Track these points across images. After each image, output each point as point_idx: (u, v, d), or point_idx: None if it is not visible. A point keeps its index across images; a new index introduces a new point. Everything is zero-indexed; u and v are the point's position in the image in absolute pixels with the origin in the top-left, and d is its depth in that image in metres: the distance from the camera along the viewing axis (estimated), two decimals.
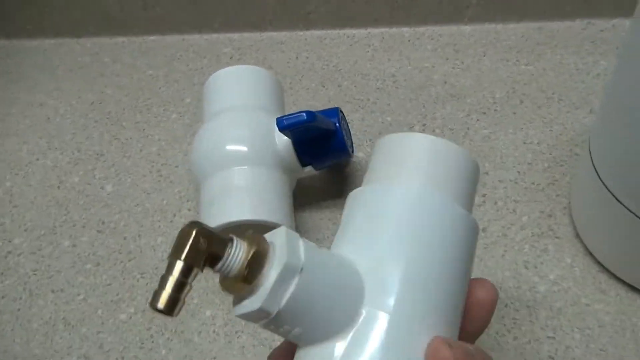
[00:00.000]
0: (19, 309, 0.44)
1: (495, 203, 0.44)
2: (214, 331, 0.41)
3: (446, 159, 0.24)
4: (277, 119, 0.38)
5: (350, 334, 0.20)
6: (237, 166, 0.40)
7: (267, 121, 0.42)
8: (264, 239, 0.21)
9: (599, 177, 0.36)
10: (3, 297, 0.45)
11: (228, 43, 0.62)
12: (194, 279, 0.20)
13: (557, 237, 0.42)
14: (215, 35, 0.63)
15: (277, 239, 0.21)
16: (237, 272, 0.20)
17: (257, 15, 0.61)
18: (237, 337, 0.40)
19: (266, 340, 0.40)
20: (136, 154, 0.53)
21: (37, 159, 0.54)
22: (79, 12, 0.64)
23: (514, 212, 0.44)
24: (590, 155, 0.37)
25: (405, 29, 0.59)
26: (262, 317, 0.20)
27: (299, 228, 0.45)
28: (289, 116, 0.38)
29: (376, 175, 0.25)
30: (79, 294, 0.44)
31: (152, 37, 0.64)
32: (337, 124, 0.41)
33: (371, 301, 0.21)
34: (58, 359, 0.41)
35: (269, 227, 0.40)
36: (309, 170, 0.42)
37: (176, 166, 0.51)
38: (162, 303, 0.19)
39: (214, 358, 0.39)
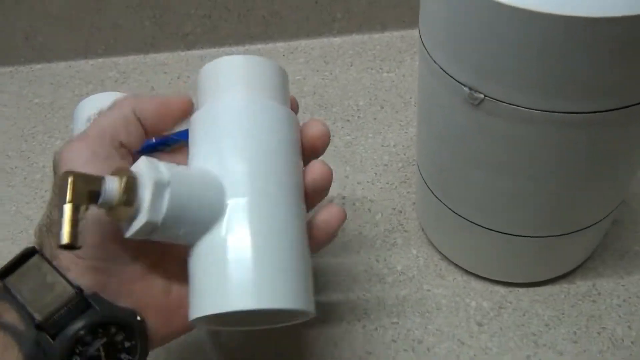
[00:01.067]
0: None
1: (354, 204, 0.48)
2: None
3: (258, 70, 0.30)
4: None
5: (225, 219, 0.26)
6: None
7: None
8: (129, 169, 0.25)
9: (425, 182, 0.40)
10: None
11: (113, 67, 0.64)
12: (84, 216, 0.23)
13: (405, 231, 0.46)
14: (100, 60, 0.65)
15: (141, 165, 0.25)
16: (117, 200, 0.24)
17: (138, 39, 0.63)
18: None
19: None
20: (20, 182, 0.55)
21: None
22: None
23: (369, 211, 0.48)
24: (419, 166, 0.41)
25: (280, 44, 0.63)
26: (151, 229, 0.25)
27: None
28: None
29: (206, 97, 0.30)
30: None
31: (39, 66, 0.65)
32: None
33: (231, 194, 0.26)
34: None
35: None
36: None
37: None
38: (65, 238, 0.22)
39: None
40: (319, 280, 0.44)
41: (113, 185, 0.24)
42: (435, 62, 0.31)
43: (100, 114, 0.29)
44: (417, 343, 0.40)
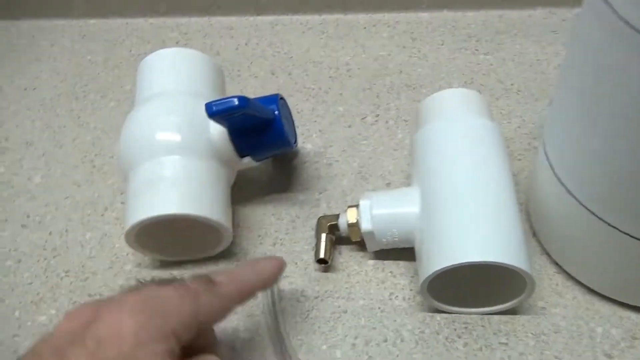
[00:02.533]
0: None
1: None
2: None
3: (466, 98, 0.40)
4: (206, 104, 0.35)
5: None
6: (167, 156, 0.37)
7: (202, 108, 0.39)
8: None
9: (555, 174, 0.34)
10: None
11: (174, 28, 0.58)
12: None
13: None
14: (161, 20, 0.59)
15: (360, 200, 0.38)
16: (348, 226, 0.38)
17: None
18: None
19: None
20: (69, 144, 0.49)
21: None
22: None
23: None
24: (545, 151, 0.35)
25: (360, 16, 0.56)
26: (370, 235, 0.37)
27: (239, 224, 0.42)
28: (219, 101, 0.34)
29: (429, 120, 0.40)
30: None
31: (93, 21, 0.60)
32: (277, 112, 0.38)
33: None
34: None
35: (202, 222, 0.36)
36: (248, 161, 0.39)
37: (111, 156, 0.48)
38: (322, 255, 0.38)
39: None
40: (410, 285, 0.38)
41: (343, 219, 0.38)
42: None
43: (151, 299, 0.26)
44: None
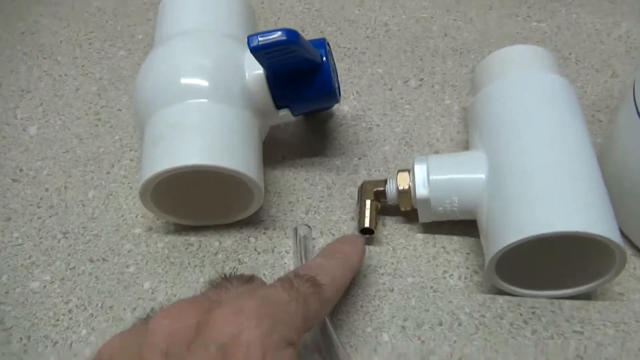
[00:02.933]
0: None
1: None
2: (152, 308, 0.32)
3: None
4: (249, 36, 0.29)
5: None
6: (193, 99, 0.32)
7: (235, 49, 0.34)
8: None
9: None
10: None
11: None
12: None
13: None
14: None
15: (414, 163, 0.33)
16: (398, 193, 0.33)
17: None
18: None
19: None
20: (70, 93, 0.43)
21: None
22: None
23: None
24: (636, 103, 0.30)
25: None
26: (426, 203, 0.32)
27: (267, 189, 0.37)
28: (265, 34, 0.29)
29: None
30: None
31: None
32: (324, 58, 0.33)
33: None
34: None
35: (230, 178, 0.31)
36: (285, 114, 0.34)
37: (119, 109, 0.42)
38: (367, 224, 0.33)
39: None
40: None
41: (392, 184, 0.33)
42: None
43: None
44: None
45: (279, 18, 0.48)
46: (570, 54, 0.44)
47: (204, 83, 0.32)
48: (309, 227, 0.34)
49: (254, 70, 0.33)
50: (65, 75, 0.45)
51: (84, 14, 0.49)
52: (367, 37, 0.46)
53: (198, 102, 0.32)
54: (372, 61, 0.44)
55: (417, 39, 0.46)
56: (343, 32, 0.47)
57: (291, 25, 0.48)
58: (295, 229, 0.33)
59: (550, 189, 0.28)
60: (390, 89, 0.42)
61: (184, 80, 0.32)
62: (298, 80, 0.33)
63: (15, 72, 0.45)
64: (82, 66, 0.45)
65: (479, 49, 0.45)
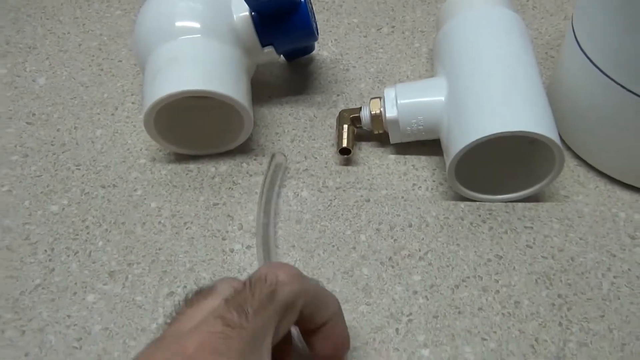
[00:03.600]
0: None
1: None
2: (159, 222, 0.36)
3: None
4: None
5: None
6: (188, 35, 0.36)
7: None
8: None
9: (582, 50, 0.34)
10: None
11: None
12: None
13: None
14: None
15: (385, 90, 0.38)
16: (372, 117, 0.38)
17: None
18: (186, 229, 0.36)
19: (218, 232, 0.36)
20: (74, 49, 0.47)
21: None
22: None
23: None
24: (573, 30, 0.35)
25: None
26: (395, 124, 0.37)
27: (256, 123, 0.41)
28: None
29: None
30: (2, 186, 0.38)
31: None
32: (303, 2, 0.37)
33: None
34: None
35: (223, 104, 0.35)
36: (269, 51, 0.38)
37: (119, 61, 0.46)
38: (344, 144, 0.38)
39: (159, 249, 0.35)
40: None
41: (366, 110, 0.38)
42: None
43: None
44: (558, 251, 0.34)
45: None
46: (527, 1, 0.49)
47: (197, 20, 0.36)
48: (285, 156, 0.38)
49: (241, 12, 0.37)
50: (68, 33, 0.49)
51: None
52: None
53: (191, 38, 0.36)
54: (348, 12, 0.49)
55: None
56: None
57: None
58: (273, 155, 0.38)
59: (494, 98, 0.33)
60: (365, 36, 0.47)
61: (178, 23, 0.36)
62: (280, 20, 0.37)
63: (21, 31, 0.49)
64: (83, 25, 0.49)
65: None
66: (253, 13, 0.37)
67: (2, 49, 0.48)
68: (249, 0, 0.35)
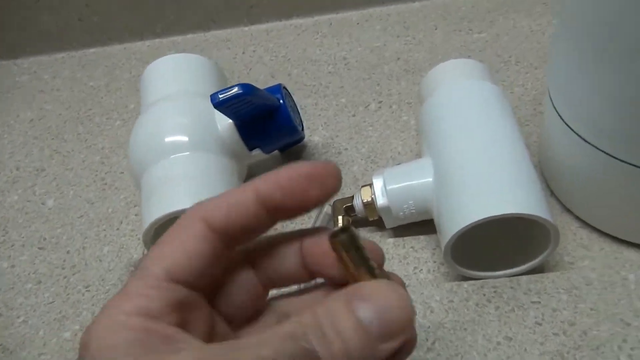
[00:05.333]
0: None
1: None
2: None
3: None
4: (211, 95, 0.35)
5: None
6: (176, 154, 0.37)
7: (207, 106, 0.39)
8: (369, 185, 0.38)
9: (561, 119, 0.33)
10: None
11: (171, 46, 0.59)
12: None
13: None
14: (157, 40, 0.60)
15: (373, 179, 0.38)
16: (364, 206, 0.38)
17: (199, 15, 0.58)
18: None
19: None
20: (78, 165, 0.49)
21: None
22: (14, 33, 0.60)
23: None
24: (550, 97, 0.35)
25: (352, 13, 0.57)
26: (387, 211, 0.37)
27: None
28: (224, 91, 0.35)
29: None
30: (18, 317, 0.40)
31: (92, 50, 0.61)
32: (281, 100, 0.38)
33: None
34: None
35: None
36: (257, 154, 0.39)
37: (121, 172, 0.48)
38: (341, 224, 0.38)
39: None
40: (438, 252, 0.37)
41: (358, 199, 0.38)
42: None
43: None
44: (569, 325, 0.33)
45: (250, 69, 0.54)
46: (510, 56, 0.49)
47: (184, 137, 0.38)
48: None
49: (225, 122, 0.38)
50: (72, 150, 0.51)
51: (82, 94, 0.56)
52: (329, 72, 0.52)
53: (181, 156, 0.37)
54: (335, 93, 0.50)
55: (374, 66, 0.51)
56: (307, 71, 0.52)
57: (263, 73, 0.53)
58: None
59: (482, 180, 0.33)
60: (354, 115, 0.48)
61: (167, 139, 0.38)
62: (261, 123, 0.38)
63: (29, 154, 0.51)
64: (86, 140, 0.51)
65: (429, 66, 0.50)
66: (235, 121, 0.38)
67: (13, 174, 0.50)
68: (227, 111, 0.36)
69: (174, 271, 0.20)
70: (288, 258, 0.23)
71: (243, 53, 0.56)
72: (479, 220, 0.31)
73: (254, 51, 0.56)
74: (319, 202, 0.21)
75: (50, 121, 0.54)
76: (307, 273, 0.23)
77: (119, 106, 0.54)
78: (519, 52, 0.49)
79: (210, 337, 0.21)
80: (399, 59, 0.51)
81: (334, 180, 0.21)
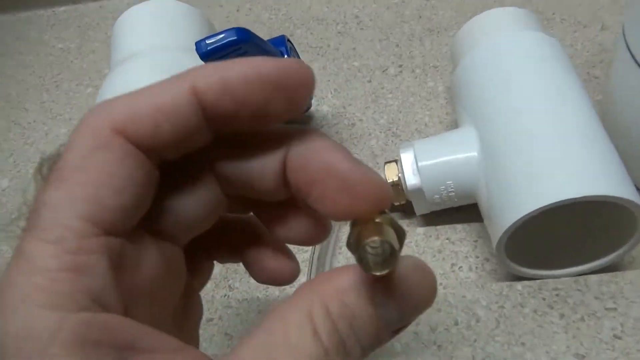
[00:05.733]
0: None
1: None
2: None
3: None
4: (196, 43, 0.27)
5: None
6: None
7: (190, 62, 0.31)
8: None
9: None
10: None
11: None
12: None
13: None
14: None
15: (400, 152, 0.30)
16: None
17: None
18: None
19: None
20: (40, 139, 0.41)
21: None
22: None
23: None
24: (629, 49, 0.27)
25: None
26: (419, 192, 0.29)
27: None
28: (213, 37, 0.27)
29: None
30: None
31: (62, 8, 0.53)
32: (285, 55, 0.31)
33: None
34: None
35: None
36: None
37: None
38: None
39: None
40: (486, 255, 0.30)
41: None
42: None
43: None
44: None
45: None
46: (553, 13, 0.41)
47: None
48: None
49: None
50: (34, 121, 0.43)
51: (49, 58, 0.48)
52: (339, 32, 0.44)
53: None
54: (346, 56, 0.42)
55: (391, 26, 0.43)
56: (313, 31, 0.44)
57: (260, 34, 0.45)
58: None
59: (553, 154, 0.25)
60: (370, 81, 0.40)
61: None
62: None
63: None
64: (51, 110, 0.43)
65: (456, 25, 0.42)
66: None
67: None
68: (200, 48, 0.28)
69: (102, 217, 0.12)
70: (263, 165, 0.15)
71: (237, 11, 0.48)
72: (549, 205, 0.24)
73: (249, 9, 0.48)
74: (279, 120, 0.14)
75: (9, 88, 0.46)
76: (286, 192, 0.15)
77: (91, 71, 0.46)
78: (563, 8, 0.41)
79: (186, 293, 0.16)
80: (420, 17, 0.44)
81: (305, 91, 0.14)
